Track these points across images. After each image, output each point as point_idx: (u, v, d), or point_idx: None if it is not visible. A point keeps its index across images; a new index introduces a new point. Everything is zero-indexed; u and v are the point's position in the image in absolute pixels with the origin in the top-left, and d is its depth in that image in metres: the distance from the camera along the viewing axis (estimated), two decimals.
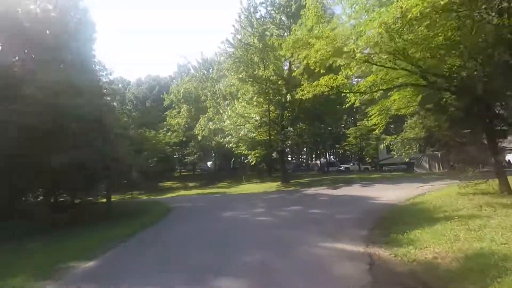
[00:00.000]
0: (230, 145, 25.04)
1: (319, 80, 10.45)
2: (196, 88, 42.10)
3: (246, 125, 23.06)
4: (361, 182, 20.21)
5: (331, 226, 8.53)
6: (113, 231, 10.77)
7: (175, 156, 49.70)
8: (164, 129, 45.85)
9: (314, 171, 53.88)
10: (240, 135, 22.66)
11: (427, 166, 26.95)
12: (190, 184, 47.40)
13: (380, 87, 10.64)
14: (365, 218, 8.92)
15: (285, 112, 23.46)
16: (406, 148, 16.63)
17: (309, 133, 23.48)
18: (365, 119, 20.78)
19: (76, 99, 13.26)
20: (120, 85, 58.92)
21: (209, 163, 73.53)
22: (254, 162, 25.97)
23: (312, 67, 10.17)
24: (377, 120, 12.96)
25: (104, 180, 16.73)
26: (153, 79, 56.47)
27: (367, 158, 45.35)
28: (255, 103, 21.99)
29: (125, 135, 22.99)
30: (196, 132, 37.97)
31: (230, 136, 24.18)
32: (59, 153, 12.30)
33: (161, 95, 50.29)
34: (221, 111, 27.73)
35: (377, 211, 9.93)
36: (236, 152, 27.18)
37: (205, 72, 43.41)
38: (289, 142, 23.32)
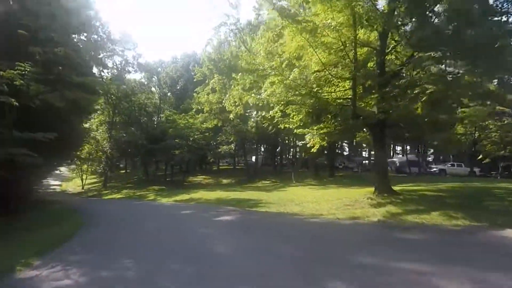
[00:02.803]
0: (271, 113, 12.02)
1: None
2: (233, 54, 29.95)
3: (305, 62, 9.75)
4: None
5: None
6: None
7: (207, 145, 38.48)
8: (194, 109, 34.51)
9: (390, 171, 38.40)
10: (290, 78, 9.31)
11: None
12: (224, 181, 35.37)
13: None
14: None
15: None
16: None
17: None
18: None
19: None
20: (159, 69, 49.87)
21: (254, 158, 61.88)
22: (316, 146, 12.27)
23: None
24: None
25: None
26: (189, 55, 45.82)
27: (481, 157, 28.36)
28: None
29: None
30: (227, 107, 25.64)
31: (268, 93, 10.94)
32: None
33: (191, 68, 39.23)
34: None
35: None
36: (282, 127, 13.53)
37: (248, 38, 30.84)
38: (419, 91, 8.51)
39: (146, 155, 36.34)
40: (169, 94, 49.09)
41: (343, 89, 10.88)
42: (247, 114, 43.29)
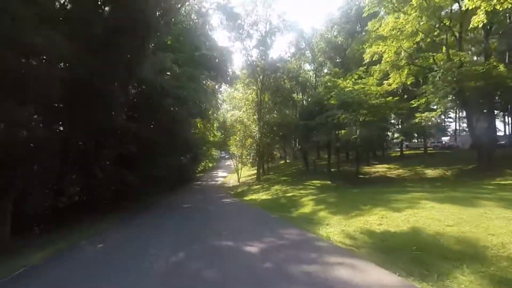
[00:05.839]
0: None
1: None
2: None
3: None
4: None
5: None
6: None
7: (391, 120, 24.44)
8: (365, 64, 21.21)
9: None
10: None
11: None
12: (426, 172, 20.27)
13: None
14: None
15: None
16: None
17: None
18: None
19: None
20: (312, 40, 39.43)
21: (445, 139, 40.26)
22: None
23: None
24: None
25: None
26: (349, 1, 32.42)
27: None
28: None
29: None
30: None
31: None
32: None
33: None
34: None
35: None
36: None
37: None
38: None
39: (302, 139, 26.92)
40: (327, 65, 37.74)
41: None
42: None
